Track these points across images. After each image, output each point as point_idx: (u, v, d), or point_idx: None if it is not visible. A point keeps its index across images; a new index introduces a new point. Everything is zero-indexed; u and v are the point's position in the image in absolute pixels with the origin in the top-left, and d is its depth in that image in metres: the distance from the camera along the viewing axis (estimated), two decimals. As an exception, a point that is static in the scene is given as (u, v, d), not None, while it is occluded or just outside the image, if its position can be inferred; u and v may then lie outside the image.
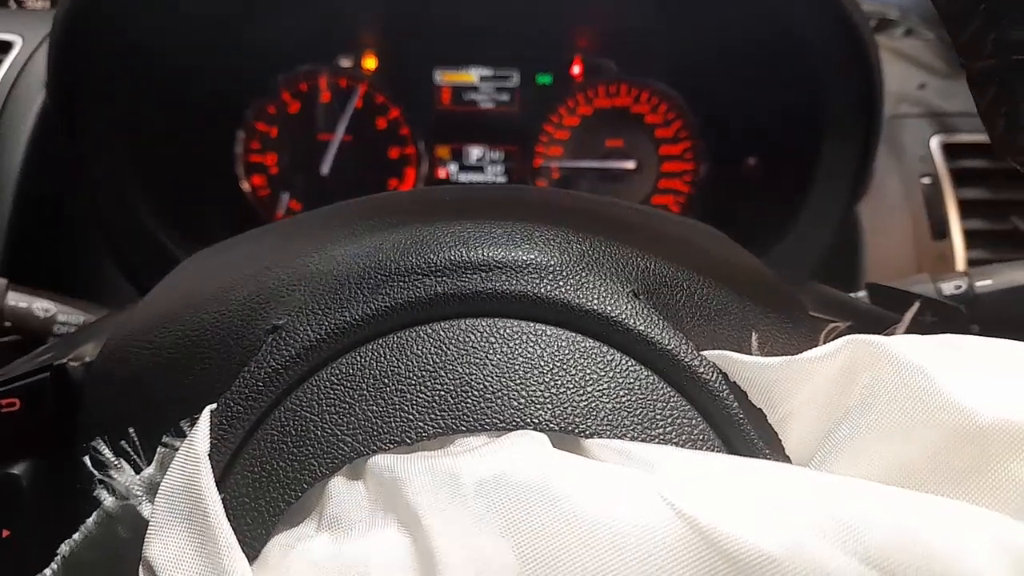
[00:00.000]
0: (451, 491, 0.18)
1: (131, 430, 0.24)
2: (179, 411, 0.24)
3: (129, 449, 0.24)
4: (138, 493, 0.23)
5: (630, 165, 0.79)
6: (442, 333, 0.23)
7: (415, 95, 0.78)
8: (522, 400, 0.21)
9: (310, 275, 0.25)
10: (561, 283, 0.24)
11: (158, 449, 0.23)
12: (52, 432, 0.28)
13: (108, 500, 0.24)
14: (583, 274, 0.24)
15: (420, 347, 0.23)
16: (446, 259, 0.25)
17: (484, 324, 0.23)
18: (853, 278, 0.65)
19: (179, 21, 0.61)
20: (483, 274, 0.24)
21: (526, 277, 0.24)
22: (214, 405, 0.22)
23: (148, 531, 0.21)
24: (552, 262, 0.25)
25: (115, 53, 0.56)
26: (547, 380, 0.22)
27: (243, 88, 0.74)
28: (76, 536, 0.26)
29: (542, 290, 0.24)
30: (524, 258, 0.25)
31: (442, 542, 0.17)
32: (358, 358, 0.23)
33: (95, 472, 0.24)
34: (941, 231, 0.65)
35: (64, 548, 0.26)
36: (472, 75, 0.78)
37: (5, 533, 0.27)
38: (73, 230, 0.62)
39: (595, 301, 0.23)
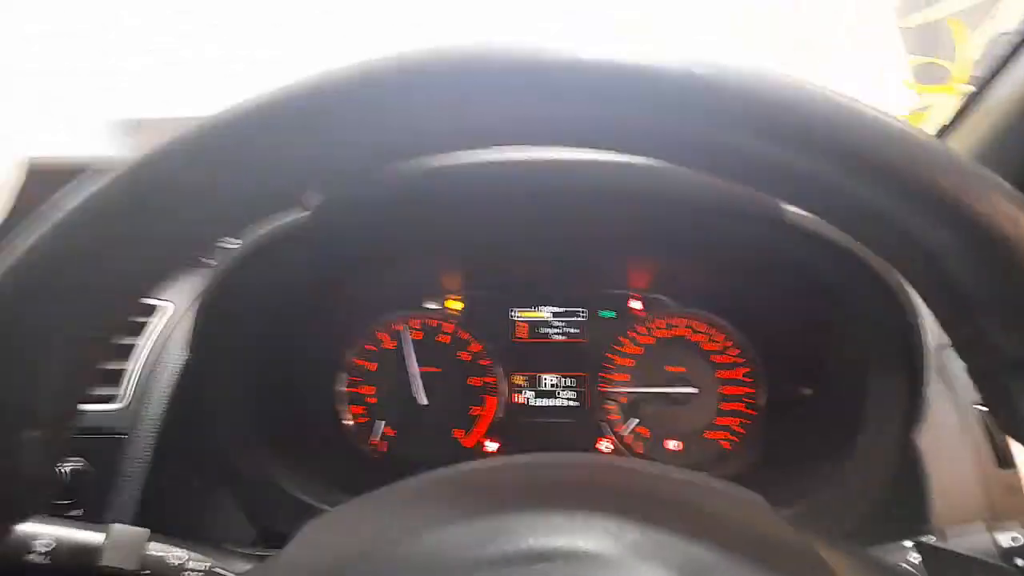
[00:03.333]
0: None
1: None
2: None
3: None
4: None
5: (691, 390, 0.85)
6: None
7: (494, 330, 0.88)
8: None
9: (406, 563, 0.32)
10: (617, 574, 0.29)
11: None
12: None
13: None
14: (636, 564, 0.30)
15: None
16: (517, 550, 0.31)
17: None
18: (922, 509, 0.65)
19: (292, 285, 0.73)
20: (549, 564, 0.30)
21: (586, 567, 0.30)
22: None
23: None
24: (608, 552, 0.30)
25: (243, 321, 0.68)
26: None
27: (344, 333, 0.87)
28: None
29: None
30: (584, 548, 0.30)
31: None
32: None
33: None
34: (1005, 459, 0.66)
35: None
36: (544, 313, 0.88)
37: None
38: (195, 470, 0.72)
39: None
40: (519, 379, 0.88)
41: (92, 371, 0.33)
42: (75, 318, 0.29)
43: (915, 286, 0.31)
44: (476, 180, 0.66)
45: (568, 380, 0.88)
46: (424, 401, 0.86)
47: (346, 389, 0.87)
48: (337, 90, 0.28)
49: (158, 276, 0.31)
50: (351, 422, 0.86)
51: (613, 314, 0.88)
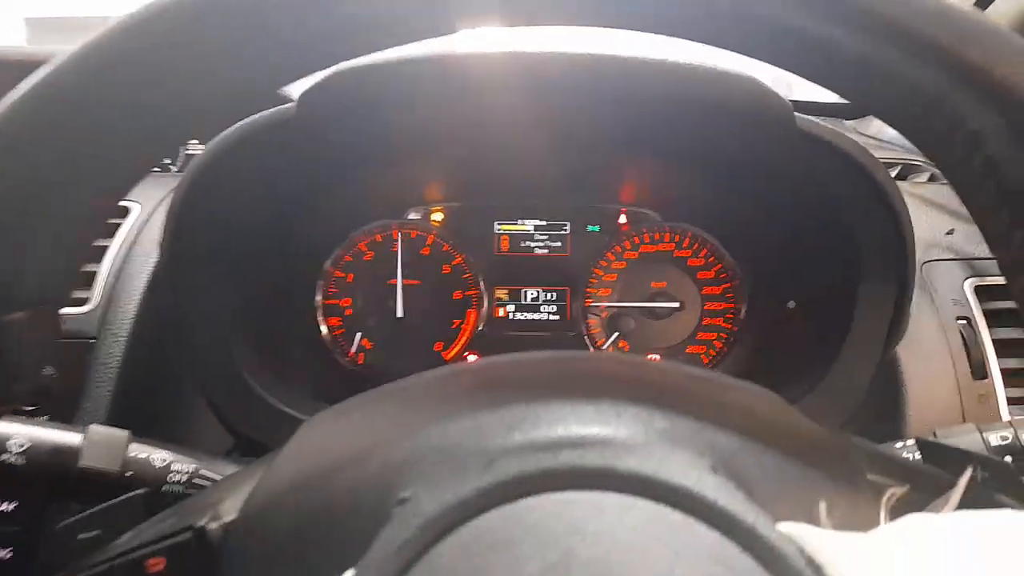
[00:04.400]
0: None
1: None
2: (316, 574, 0.28)
3: None
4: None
5: (674, 305, 0.85)
6: (547, 506, 0.27)
7: (476, 243, 0.86)
8: (621, 571, 0.25)
9: (429, 450, 0.30)
10: (648, 459, 0.28)
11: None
12: None
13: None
14: (667, 450, 0.29)
15: (529, 518, 0.27)
16: (546, 437, 0.29)
17: (584, 497, 0.27)
18: (898, 418, 0.67)
19: (273, 190, 0.69)
20: (580, 451, 0.29)
21: (617, 453, 0.29)
22: (352, 571, 0.27)
23: None
24: (639, 439, 0.29)
25: (219, 220, 0.64)
26: (641, 550, 0.26)
27: (324, 242, 0.83)
28: None
29: (632, 465, 0.28)
30: (615, 435, 0.29)
31: None
32: (475, 528, 0.27)
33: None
34: (981, 371, 0.68)
35: None
36: (528, 226, 0.86)
37: None
38: (167, 378, 0.69)
39: (680, 476, 0.27)
40: (501, 292, 0.86)
41: (83, 249, 0.30)
42: (71, 183, 0.26)
43: (968, 201, 0.29)
44: (463, 78, 0.62)
45: (550, 294, 0.86)
46: (400, 314, 0.84)
47: (323, 300, 0.84)
48: None
49: (154, 147, 0.28)
50: (326, 331, 0.84)
51: (598, 228, 0.86)
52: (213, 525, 0.32)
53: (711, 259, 0.85)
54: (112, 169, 0.27)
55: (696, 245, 0.85)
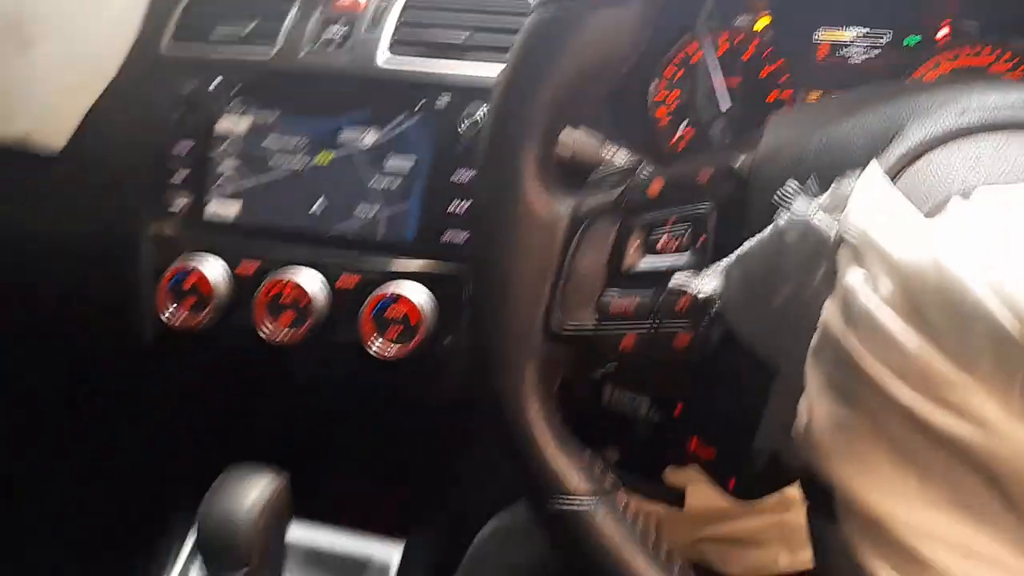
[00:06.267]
0: None
1: (795, 184, 0.45)
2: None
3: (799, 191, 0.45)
4: (815, 209, 0.44)
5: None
6: (999, 140, 0.41)
7: (796, 49, 0.95)
8: None
9: (914, 106, 0.45)
10: None
11: (837, 183, 0.44)
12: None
13: (785, 218, 0.46)
14: None
15: (992, 145, 0.42)
16: (995, 100, 0.43)
17: None
18: None
19: None
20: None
21: None
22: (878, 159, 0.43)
23: (846, 215, 0.41)
24: None
25: None
26: None
27: (660, 43, 0.98)
28: (750, 243, 0.48)
29: None
30: None
31: None
32: (953, 148, 0.42)
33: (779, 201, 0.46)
34: None
35: (740, 250, 0.48)
36: (848, 34, 0.94)
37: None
38: None
39: None
40: (813, 96, 0.97)
41: None
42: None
43: None
44: None
45: (860, 99, 0.95)
46: (717, 109, 0.98)
47: (655, 96, 1.00)
48: None
49: None
50: (657, 123, 1.00)
51: (918, 39, 0.92)
52: (737, 164, 0.51)
53: (1033, 74, 0.89)
54: None
55: (1016, 59, 0.89)
